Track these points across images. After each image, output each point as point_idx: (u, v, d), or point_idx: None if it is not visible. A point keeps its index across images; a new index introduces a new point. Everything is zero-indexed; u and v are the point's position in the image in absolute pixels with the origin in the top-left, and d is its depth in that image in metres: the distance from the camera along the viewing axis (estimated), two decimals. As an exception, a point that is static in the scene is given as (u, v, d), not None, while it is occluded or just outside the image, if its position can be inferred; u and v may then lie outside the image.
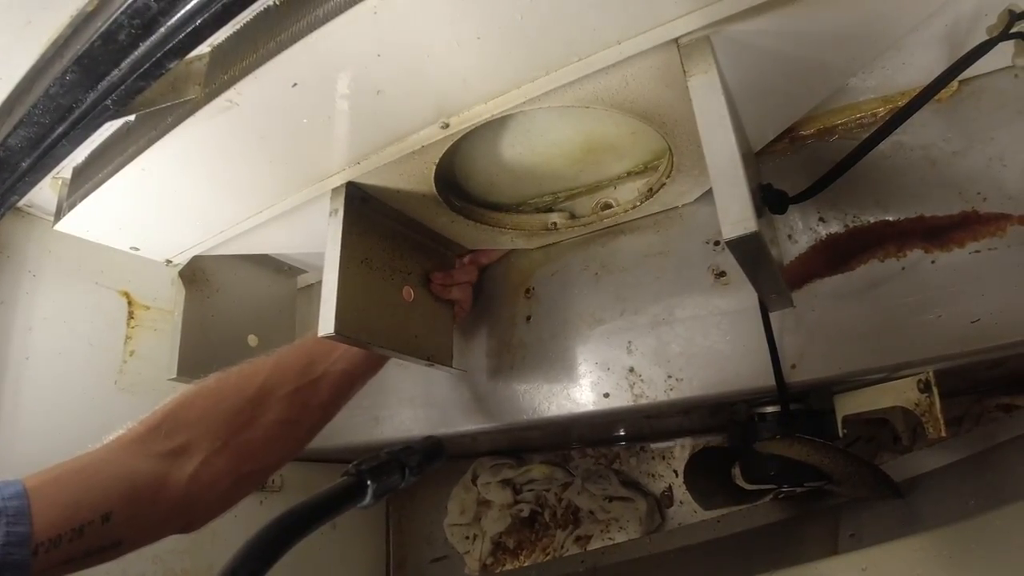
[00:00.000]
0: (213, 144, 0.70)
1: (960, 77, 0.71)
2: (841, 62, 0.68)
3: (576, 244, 0.97)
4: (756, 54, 0.62)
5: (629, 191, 0.91)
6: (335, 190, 0.78)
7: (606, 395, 0.88)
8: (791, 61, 0.64)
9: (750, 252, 0.55)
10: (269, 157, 0.73)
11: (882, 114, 0.80)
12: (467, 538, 1.28)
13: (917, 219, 0.75)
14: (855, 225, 0.79)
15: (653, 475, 1.18)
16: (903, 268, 0.74)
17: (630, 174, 0.91)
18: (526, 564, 1.22)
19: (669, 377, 0.84)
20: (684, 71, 0.58)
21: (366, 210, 0.81)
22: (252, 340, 1.10)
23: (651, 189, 0.87)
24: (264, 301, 1.15)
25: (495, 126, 0.77)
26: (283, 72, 0.59)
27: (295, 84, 0.61)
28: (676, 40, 0.59)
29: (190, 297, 1.01)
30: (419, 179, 0.78)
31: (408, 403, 1.05)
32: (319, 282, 1.20)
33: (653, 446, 1.20)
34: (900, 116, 0.69)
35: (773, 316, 0.77)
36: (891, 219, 0.77)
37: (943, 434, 0.66)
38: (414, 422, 1.04)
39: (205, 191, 0.80)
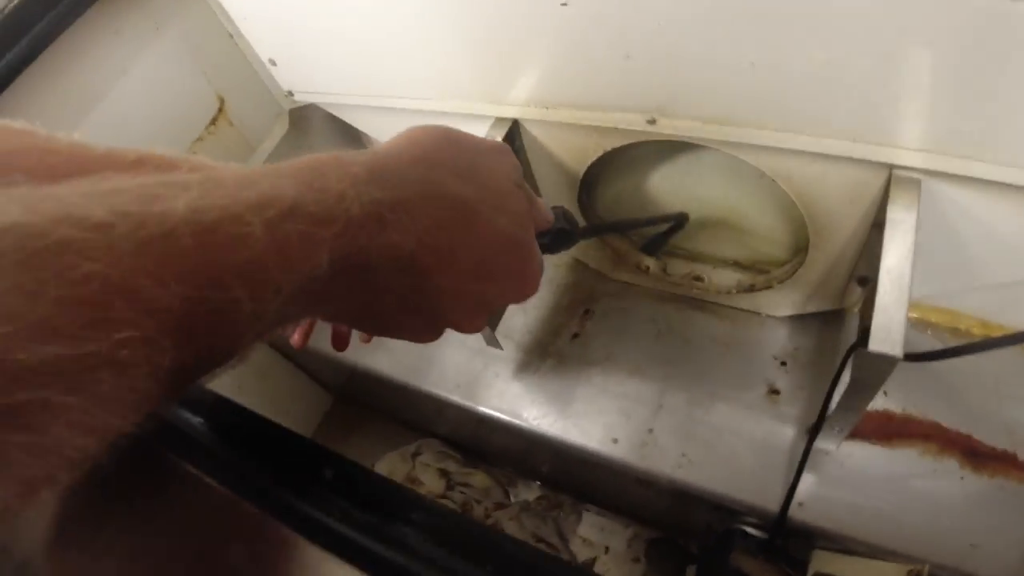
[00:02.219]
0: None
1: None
2: (1001, 272, 0.71)
3: (653, 295, 0.98)
4: (944, 219, 0.65)
5: (727, 277, 0.94)
6: (500, 120, 0.78)
7: (615, 440, 0.88)
8: (968, 245, 0.68)
9: (875, 375, 0.57)
10: (480, 48, 0.70)
11: (976, 332, 0.84)
12: (381, 505, 1.25)
13: (966, 437, 0.79)
14: (912, 414, 0.82)
15: (586, 540, 1.18)
16: (934, 470, 0.78)
17: (736, 263, 0.94)
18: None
19: (683, 455, 0.85)
20: (889, 197, 0.61)
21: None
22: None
23: (753, 286, 0.90)
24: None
25: (665, 149, 0.80)
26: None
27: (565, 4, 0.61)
28: (891, 166, 0.62)
29: (285, 140, 1.00)
30: (577, 157, 0.79)
31: (413, 348, 1.04)
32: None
33: (597, 515, 1.20)
34: (997, 342, 0.73)
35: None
36: (945, 425, 0.81)
37: (920, 627, 0.68)
38: (409, 367, 1.02)
39: (390, 44, 0.76)
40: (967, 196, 0.60)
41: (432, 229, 0.31)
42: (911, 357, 0.71)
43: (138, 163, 0.37)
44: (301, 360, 1.29)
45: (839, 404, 0.67)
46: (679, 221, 0.88)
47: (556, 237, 0.53)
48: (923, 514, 0.74)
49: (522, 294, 0.41)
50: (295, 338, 0.59)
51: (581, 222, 0.92)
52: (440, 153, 0.35)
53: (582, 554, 1.16)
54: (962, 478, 0.76)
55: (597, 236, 0.96)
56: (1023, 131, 0.51)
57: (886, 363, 0.54)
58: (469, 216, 0.34)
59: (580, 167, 0.80)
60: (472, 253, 0.34)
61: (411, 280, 0.31)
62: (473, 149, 0.38)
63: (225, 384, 1.17)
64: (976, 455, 0.76)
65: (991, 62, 0.49)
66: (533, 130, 0.78)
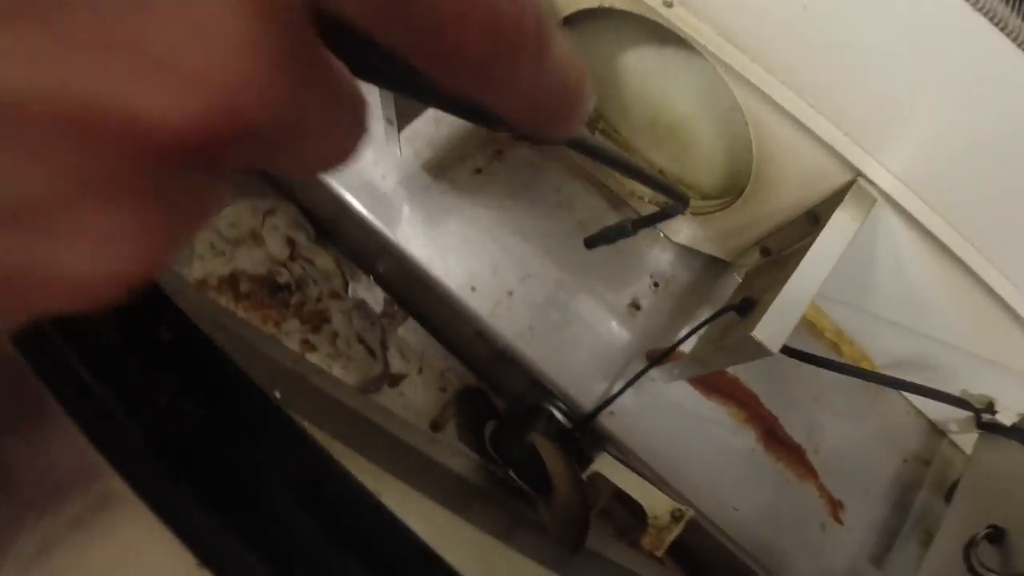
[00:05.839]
0: None
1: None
2: (890, 311, 0.74)
3: (569, 166, 0.93)
4: (872, 244, 0.65)
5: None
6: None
7: (473, 288, 0.86)
8: (878, 276, 0.68)
9: (743, 358, 0.58)
10: None
11: (828, 337, 0.89)
12: (213, 247, 1.17)
13: (773, 418, 0.86)
14: (739, 379, 0.87)
15: (403, 356, 1.19)
16: (734, 432, 0.84)
17: (661, 174, 0.90)
18: (238, 314, 1.15)
19: (530, 328, 0.85)
20: (842, 201, 0.59)
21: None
22: None
23: (665, 202, 0.87)
24: None
25: (658, 35, 0.72)
26: None
27: None
28: (859, 174, 0.60)
29: None
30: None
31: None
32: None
33: (424, 337, 1.21)
34: (864, 374, 0.79)
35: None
36: (761, 398, 0.86)
37: (658, 554, 0.76)
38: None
39: None
40: (908, 238, 0.60)
41: None
42: (786, 351, 0.74)
43: None
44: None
45: (692, 354, 0.69)
46: (676, 205, 0.77)
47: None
48: (707, 465, 0.81)
49: None
50: None
51: None
52: None
53: (396, 367, 1.18)
54: (753, 450, 0.82)
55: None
56: (992, 219, 0.50)
57: (761, 351, 0.55)
58: None
59: (567, 7, 0.71)
60: None
61: None
62: None
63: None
64: (774, 437, 0.83)
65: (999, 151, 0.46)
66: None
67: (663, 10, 0.60)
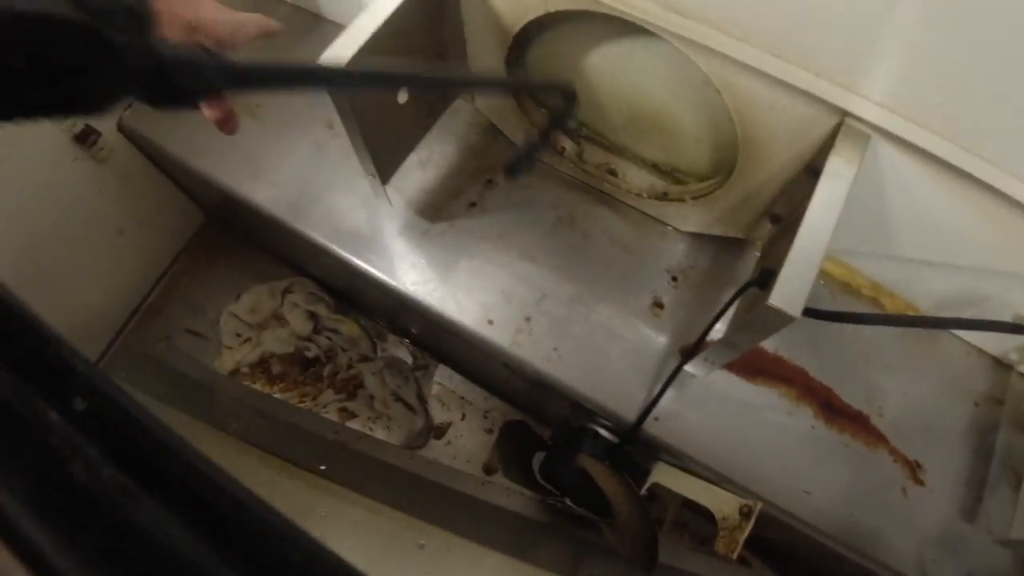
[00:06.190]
0: None
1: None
2: (914, 247, 0.70)
3: (562, 179, 0.92)
4: (879, 182, 0.62)
5: (641, 178, 0.88)
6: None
7: (490, 322, 0.85)
8: (894, 214, 0.65)
9: (768, 329, 0.55)
10: None
11: (866, 293, 0.85)
12: (239, 336, 1.19)
13: (827, 389, 0.81)
14: (782, 356, 0.83)
15: (444, 404, 1.17)
16: (789, 413, 0.80)
17: (654, 166, 0.88)
18: (276, 395, 1.15)
19: (555, 350, 0.83)
20: (834, 146, 0.56)
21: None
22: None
23: (666, 194, 0.85)
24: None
25: (612, 28, 0.71)
26: None
27: None
28: (844, 113, 0.57)
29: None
30: (515, 10, 0.69)
31: (297, 183, 0.94)
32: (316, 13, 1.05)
33: (460, 382, 1.19)
34: (893, 320, 0.74)
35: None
36: (810, 372, 0.82)
37: (732, 556, 0.72)
38: (289, 203, 0.93)
39: None
40: (911, 166, 0.56)
41: None
42: (808, 313, 0.70)
43: None
44: (176, 173, 1.15)
45: (721, 340, 0.65)
46: (567, 100, 0.78)
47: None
48: (768, 453, 0.77)
49: None
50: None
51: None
52: None
53: (438, 418, 1.17)
54: (812, 427, 0.78)
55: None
56: (989, 120, 0.46)
57: (782, 318, 0.52)
58: None
59: (516, 23, 0.70)
60: None
61: None
62: None
63: (86, 184, 1.03)
64: (832, 409, 0.78)
65: (977, 37, 0.43)
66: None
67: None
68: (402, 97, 0.74)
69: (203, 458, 0.22)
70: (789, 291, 0.51)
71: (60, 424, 0.22)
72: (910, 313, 0.82)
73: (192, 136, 0.96)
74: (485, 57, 0.81)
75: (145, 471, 0.21)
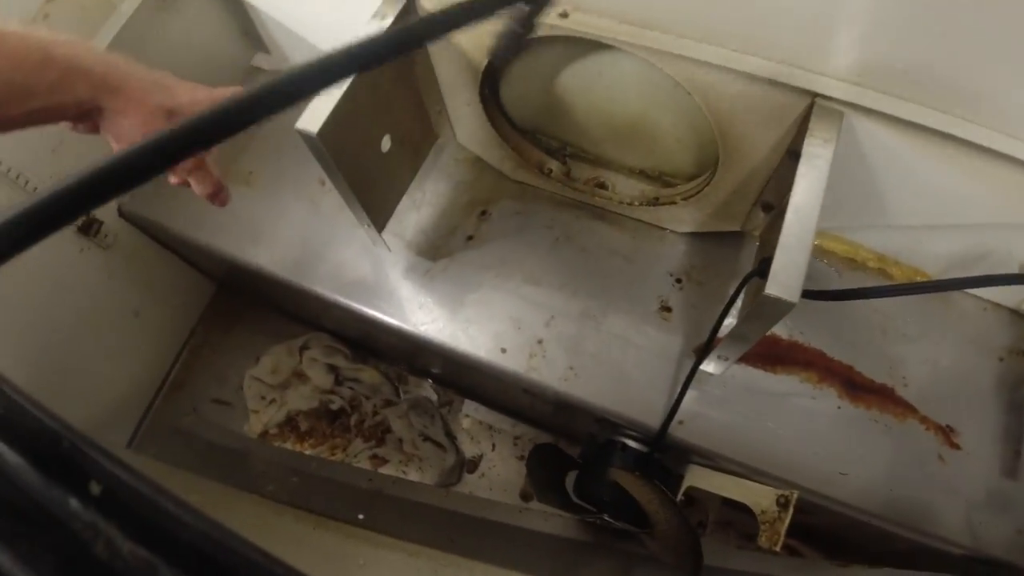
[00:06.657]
0: None
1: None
2: (909, 215, 0.70)
3: (554, 200, 0.93)
4: (862, 156, 0.62)
5: (631, 187, 0.89)
6: (393, -3, 0.69)
7: (503, 350, 0.85)
8: (883, 184, 0.65)
9: (772, 318, 0.55)
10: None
11: (872, 266, 0.84)
12: (263, 398, 1.20)
13: (847, 367, 0.80)
14: (798, 340, 0.82)
15: (473, 438, 1.18)
16: (813, 397, 0.79)
17: (642, 173, 0.89)
18: (307, 452, 1.16)
19: (570, 368, 0.83)
20: (808, 128, 0.57)
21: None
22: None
23: (657, 199, 0.86)
24: (213, 59, 1.00)
25: (577, 48, 0.72)
26: None
27: None
28: (814, 95, 0.58)
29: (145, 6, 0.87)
30: (477, 45, 0.71)
31: (298, 241, 0.96)
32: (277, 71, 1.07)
33: (486, 413, 1.20)
34: (891, 290, 0.73)
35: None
36: (827, 352, 0.82)
37: (776, 549, 0.71)
38: (292, 262, 0.95)
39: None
40: (889, 136, 0.56)
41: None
42: (808, 294, 0.70)
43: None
44: (180, 249, 1.18)
45: (730, 334, 0.66)
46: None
47: None
48: (798, 440, 0.76)
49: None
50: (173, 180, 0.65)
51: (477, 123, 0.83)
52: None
53: (469, 451, 1.17)
54: (839, 407, 0.77)
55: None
56: (956, 77, 0.47)
57: (782, 306, 0.52)
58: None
59: (482, 58, 0.72)
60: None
61: None
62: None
63: (96, 272, 1.05)
64: (855, 386, 0.78)
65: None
66: (429, 6, 0.69)
67: (562, 22, 0.60)
68: (385, 145, 0.76)
69: (216, 524, 0.23)
70: (785, 277, 0.52)
71: (79, 509, 0.23)
72: (919, 279, 0.82)
73: (191, 210, 0.98)
74: (459, 95, 0.82)
75: (162, 542, 0.22)
